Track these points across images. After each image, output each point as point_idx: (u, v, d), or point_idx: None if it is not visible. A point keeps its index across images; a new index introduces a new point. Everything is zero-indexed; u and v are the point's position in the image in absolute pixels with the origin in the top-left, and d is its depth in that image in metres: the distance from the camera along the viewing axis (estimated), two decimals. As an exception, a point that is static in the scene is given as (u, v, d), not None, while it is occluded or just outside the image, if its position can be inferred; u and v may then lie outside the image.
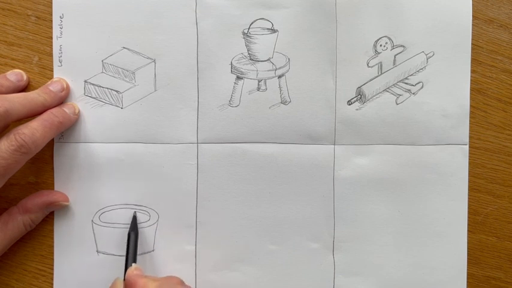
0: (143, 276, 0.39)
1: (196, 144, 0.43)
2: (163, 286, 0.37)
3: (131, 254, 0.41)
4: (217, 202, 0.44)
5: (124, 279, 0.39)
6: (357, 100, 0.44)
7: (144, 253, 0.43)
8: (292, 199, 0.44)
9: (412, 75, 0.44)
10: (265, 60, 0.43)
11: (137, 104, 0.43)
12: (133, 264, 0.40)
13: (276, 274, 0.44)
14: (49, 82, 0.42)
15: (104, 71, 0.43)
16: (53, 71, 0.43)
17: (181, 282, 0.39)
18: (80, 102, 0.43)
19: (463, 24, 0.44)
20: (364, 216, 0.44)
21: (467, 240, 0.44)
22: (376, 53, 0.44)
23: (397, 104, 0.44)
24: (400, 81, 0.44)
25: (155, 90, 0.43)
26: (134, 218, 0.42)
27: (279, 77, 0.43)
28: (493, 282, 0.45)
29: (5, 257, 0.43)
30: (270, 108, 0.43)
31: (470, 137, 0.44)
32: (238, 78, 0.43)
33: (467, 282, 0.44)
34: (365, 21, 0.43)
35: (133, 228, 0.42)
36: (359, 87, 0.44)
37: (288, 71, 0.43)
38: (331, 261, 0.44)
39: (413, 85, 0.44)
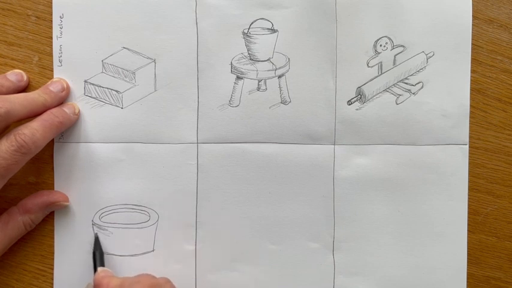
0: (108, 276, 0.40)
1: (196, 144, 0.43)
2: (125, 282, 0.38)
3: (99, 265, 0.42)
4: (217, 202, 0.44)
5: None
6: (357, 100, 0.44)
7: (144, 253, 0.43)
8: (292, 199, 0.44)
9: (412, 75, 0.44)
10: (265, 60, 0.43)
11: (137, 104, 0.43)
12: (99, 267, 0.41)
13: (276, 274, 0.44)
14: (49, 82, 0.42)
15: (104, 71, 0.43)
16: (53, 71, 0.43)
17: (152, 279, 0.39)
18: (80, 102, 0.43)
19: (463, 24, 0.44)
20: (364, 216, 0.44)
21: (467, 240, 0.44)
22: (376, 53, 0.44)
23: (397, 104, 0.44)
24: (400, 81, 0.44)
25: (155, 90, 0.43)
26: (97, 239, 0.43)
27: (279, 77, 0.43)
28: (493, 282, 0.45)
29: (5, 257, 0.43)
30: (270, 108, 0.43)
31: (470, 137, 0.44)
32: (238, 78, 0.43)
33: (467, 282, 0.44)
34: (365, 21, 0.43)
35: (97, 248, 0.43)
36: (359, 87, 0.44)
37: (288, 71, 0.43)
38: (331, 261, 0.44)
39: (413, 85, 0.44)
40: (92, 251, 0.42)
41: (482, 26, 0.44)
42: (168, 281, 0.40)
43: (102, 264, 0.42)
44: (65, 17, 0.43)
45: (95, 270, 0.41)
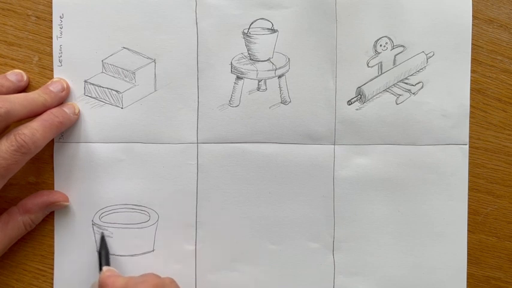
0: (113, 275, 0.39)
1: (196, 144, 0.43)
2: (130, 282, 0.38)
3: (104, 264, 0.42)
4: (217, 202, 0.44)
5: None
6: (357, 100, 0.44)
7: (144, 253, 0.43)
8: (292, 199, 0.44)
9: (412, 75, 0.44)
10: (265, 60, 0.43)
11: (137, 104, 0.43)
12: (104, 267, 0.41)
13: (276, 274, 0.44)
14: (49, 82, 0.42)
15: (104, 71, 0.43)
16: (53, 71, 0.43)
17: (157, 278, 0.39)
18: (80, 102, 0.43)
19: (463, 24, 0.44)
20: (364, 216, 0.44)
21: (467, 240, 0.44)
22: (376, 53, 0.44)
23: (397, 104, 0.44)
24: (400, 81, 0.44)
25: (155, 90, 0.43)
26: (103, 238, 0.43)
27: (279, 77, 0.43)
28: (493, 282, 0.45)
29: (5, 257, 0.43)
30: (270, 108, 0.43)
31: (470, 137, 0.44)
32: (238, 78, 0.43)
33: (467, 282, 0.44)
34: (365, 21, 0.43)
35: (103, 247, 0.43)
36: (359, 87, 0.44)
37: (288, 71, 0.43)
38: (331, 261, 0.44)
39: (413, 85, 0.44)
40: (97, 250, 0.42)
41: (482, 26, 0.44)
42: (172, 281, 0.40)
43: (108, 264, 0.42)
44: (65, 17, 0.43)
45: (100, 269, 0.41)
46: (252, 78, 0.43)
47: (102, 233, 0.43)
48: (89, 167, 0.43)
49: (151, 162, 0.43)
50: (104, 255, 0.42)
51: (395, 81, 0.44)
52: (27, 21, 0.43)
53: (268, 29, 0.43)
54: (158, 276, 0.40)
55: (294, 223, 0.44)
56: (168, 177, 0.43)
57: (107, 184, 0.43)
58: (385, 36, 0.44)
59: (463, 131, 0.44)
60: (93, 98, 0.43)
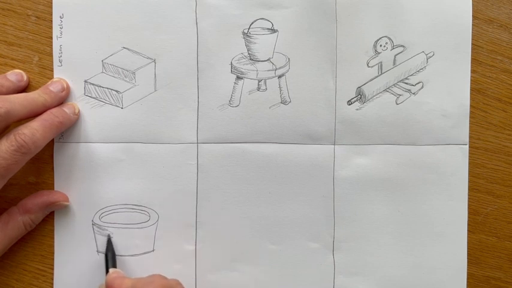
0: (120, 277, 0.39)
1: (196, 144, 0.43)
2: (137, 284, 0.38)
3: (110, 266, 0.42)
4: (217, 202, 0.44)
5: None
6: (357, 100, 0.44)
7: (144, 253, 0.43)
8: (292, 199, 0.44)
9: (412, 75, 0.44)
10: (265, 60, 0.43)
11: (137, 104, 0.43)
12: (110, 268, 0.41)
13: (276, 274, 0.44)
14: (49, 82, 0.42)
15: (104, 71, 0.43)
16: (53, 71, 0.43)
17: (164, 279, 0.39)
18: (80, 102, 0.43)
19: (463, 24, 0.44)
20: (364, 216, 0.44)
21: (467, 240, 0.44)
22: (376, 53, 0.44)
23: (397, 104, 0.44)
24: (400, 81, 0.44)
25: (155, 90, 0.43)
26: (109, 241, 0.43)
27: (279, 77, 0.43)
28: (493, 282, 0.45)
29: (5, 257, 0.43)
30: (270, 108, 0.43)
31: (470, 137, 0.44)
32: (238, 78, 0.43)
33: (467, 282, 0.44)
34: (365, 21, 0.43)
35: (109, 249, 0.43)
36: (359, 87, 0.44)
37: (288, 71, 0.43)
38: (331, 261, 0.44)
39: (413, 85, 0.44)
40: (104, 252, 0.42)
41: (482, 26, 0.44)
42: (179, 283, 0.40)
43: (114, 266, 0.42)
44: (65, 17, 0.43)
45: (107, 271, 0.41)
46: (252, 78, 0.43)
47: (109, 235, 0.43)
48: (89, 167, 0.43)
49: (151, 162, 0.43)
50: (110, 257, 0.42)
51: (396, 81, 0.44)
52: (27, 21, 0.43)
53: (268, 29, 0.43)
54: (165, 278, 0.40)
55: (294, 223, 0.44)
56: (168, 177, 0.43)
57: (107, 184, 0.43)
58: (385, 36, 0.44)
59: (463, 131, 0.44)
60: (93, 98, 0.43)
